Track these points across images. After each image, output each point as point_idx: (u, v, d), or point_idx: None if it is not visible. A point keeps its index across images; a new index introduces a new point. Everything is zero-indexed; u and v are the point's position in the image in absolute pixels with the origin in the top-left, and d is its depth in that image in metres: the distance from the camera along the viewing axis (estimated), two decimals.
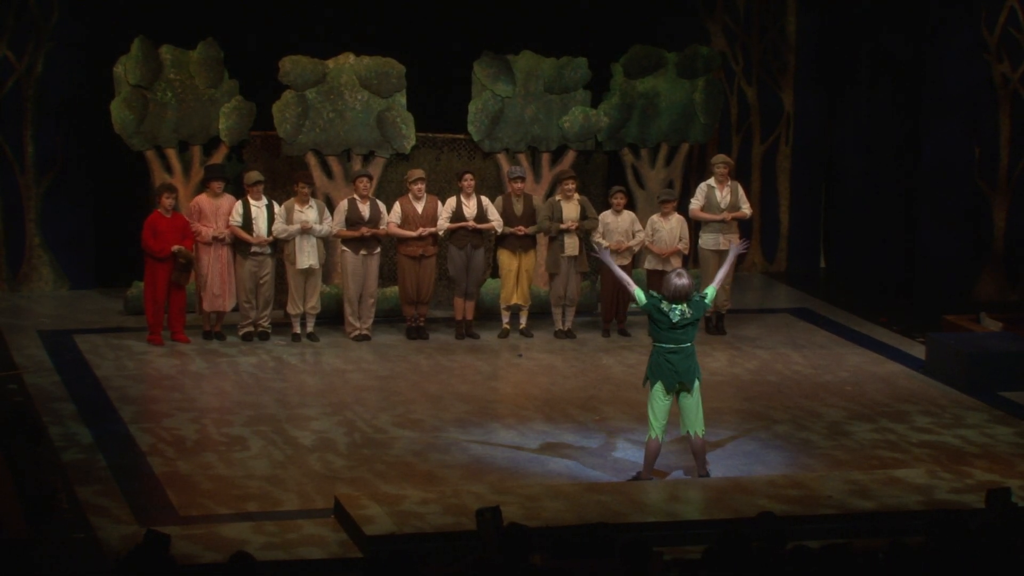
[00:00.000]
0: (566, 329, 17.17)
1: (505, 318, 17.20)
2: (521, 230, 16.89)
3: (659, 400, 12.64)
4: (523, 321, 17.24)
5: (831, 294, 19.41)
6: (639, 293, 12.72)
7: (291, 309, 16.74)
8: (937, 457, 13.65)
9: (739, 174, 19.87)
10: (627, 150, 18.63)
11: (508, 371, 16.21)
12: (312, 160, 17.75)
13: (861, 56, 20.07)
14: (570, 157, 18.35)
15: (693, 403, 12.65)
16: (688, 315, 12.50)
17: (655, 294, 12.73)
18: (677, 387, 12.61)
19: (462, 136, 18.24)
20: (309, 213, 16.59)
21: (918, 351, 16.69)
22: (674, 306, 12.51)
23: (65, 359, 16.00)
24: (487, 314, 17.46)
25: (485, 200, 16.97)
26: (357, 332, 16.80)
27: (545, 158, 18.34)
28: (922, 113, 19.17)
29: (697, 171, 19.86)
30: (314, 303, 16.76)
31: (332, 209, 16.94)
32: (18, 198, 18.46)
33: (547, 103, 18.22)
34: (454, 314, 17.13)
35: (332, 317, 17.21)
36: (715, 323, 17.39)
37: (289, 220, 16.53)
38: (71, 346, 16.46)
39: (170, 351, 16.28)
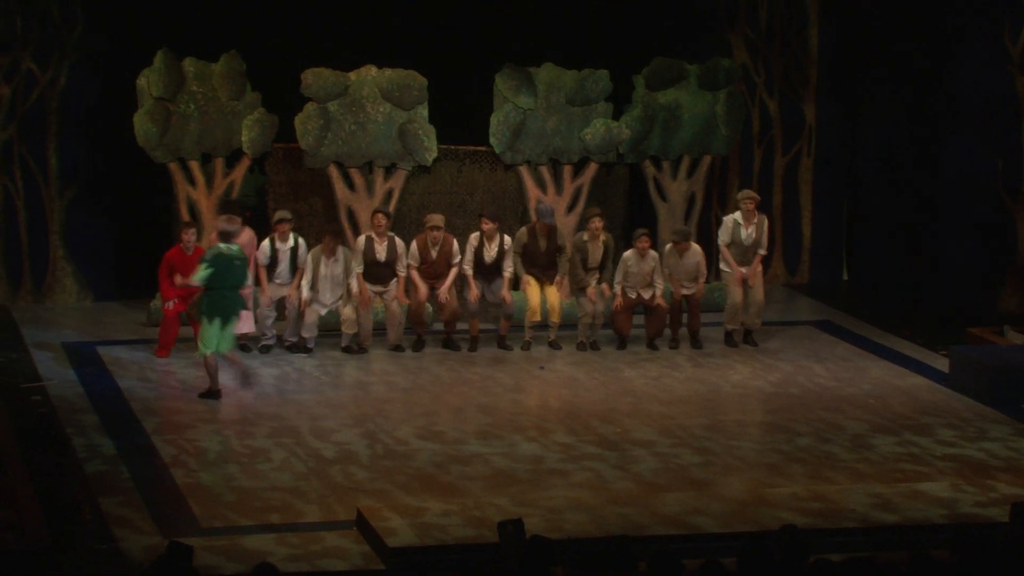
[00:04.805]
0: (590, 341, 17.13)
1: (528, 334, 17.13)
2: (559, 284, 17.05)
3: (215, 331, 14.91)
4: (552, 334, 17.19)
5: (854, 306, 19.36)
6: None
7: (305, 332, 16.68)
8: (961, 470, 13.59)
9: (761, 186, 19.86)
10: (649, 162, 18.63)
11: (530, 383, 16.18)
12: (334, 172, 17.78)
13: (883, 68, 20.04)
14: (592, 169, 18.35)
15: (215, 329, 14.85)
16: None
17: (212, 256, 14.90)
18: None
19: (484, 148, 18.26)
20: (335, 267, 16.58)
21: (941, 364, 16.63)
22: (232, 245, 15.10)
23: (88, 371, 16.03)
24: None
25: (507, 242, 16.88)
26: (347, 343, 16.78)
27: (567, 170, 18.34)
28: (944, 125, 19.12)
29: (719, 184, 19.85)
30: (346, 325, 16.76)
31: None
32: (42, 210, 18.50)
33: (569, 115, 18.22)
34: (469, 330, 17.04)
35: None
36: (742, 338, 17.33)
37: (315, 274, 16.50)
38: (94, 358, 16.48)
39: (192, 363, 16.29)
